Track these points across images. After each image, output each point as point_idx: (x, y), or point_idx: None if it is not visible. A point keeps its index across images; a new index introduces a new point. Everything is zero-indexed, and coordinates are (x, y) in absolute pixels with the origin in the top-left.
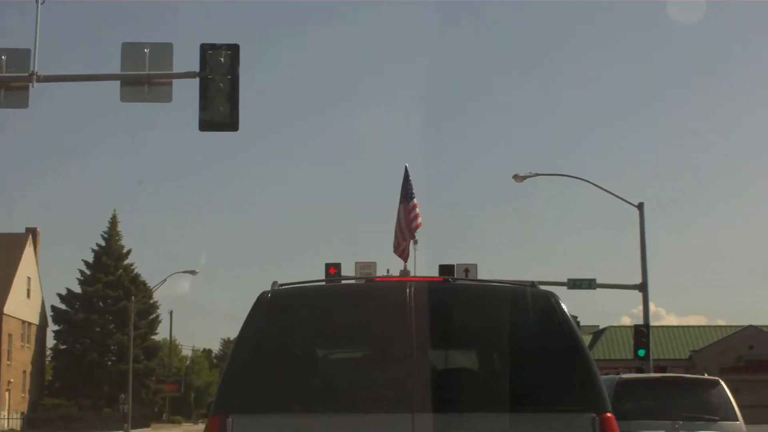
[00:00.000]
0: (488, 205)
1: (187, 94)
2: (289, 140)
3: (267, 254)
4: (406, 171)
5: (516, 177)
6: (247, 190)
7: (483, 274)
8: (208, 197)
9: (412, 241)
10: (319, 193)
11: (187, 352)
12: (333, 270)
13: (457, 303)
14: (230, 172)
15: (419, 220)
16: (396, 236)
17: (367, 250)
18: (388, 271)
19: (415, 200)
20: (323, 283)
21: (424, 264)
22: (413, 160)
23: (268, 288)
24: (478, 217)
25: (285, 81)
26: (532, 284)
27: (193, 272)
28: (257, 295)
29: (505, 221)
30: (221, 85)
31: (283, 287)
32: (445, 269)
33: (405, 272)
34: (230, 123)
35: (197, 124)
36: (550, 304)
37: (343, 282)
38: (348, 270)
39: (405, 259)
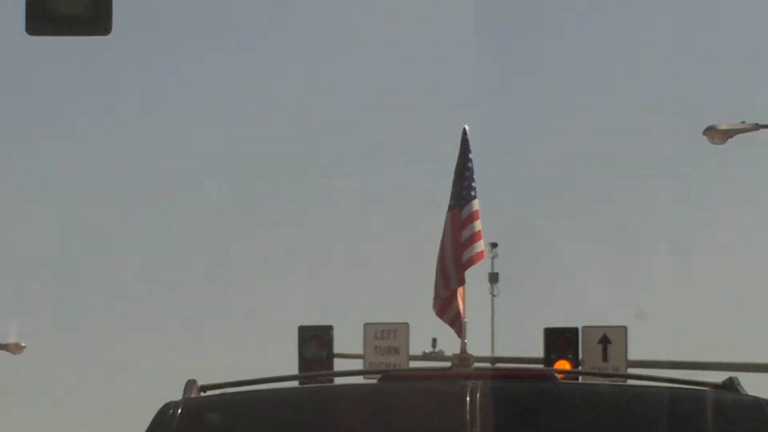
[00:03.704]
0: (645, 196)
1: None
2: (222, 55)
3: (185, 308)
4: (465, 138)
5: (712, 132)
6: (130, 162)
7: (637, 349)
8: (48, 173)
9: (460, 293)
10: (297, 175)
11: None
12: (315, 339)
13: None
14: (93, 117)
15: (480, 245)
16: (436, 278)
17: (393, 297)
18: (434, 343)
19: (475, 203)
20: (294, 384)
21: (511, 318)
22: (479, 116)
23: (178, 394)
24: (622, 229)
25: None
26: (728, 383)
27: (14, 348)
28: (156, 409)
29: (687, 232)
30: None
31: (208, 394)
32: (558, 340)
33: (464, 359)
34: (94, 17)
35: (22, 21)
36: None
37: (330, 385)
38: (351, 342)
39: (453, 325)
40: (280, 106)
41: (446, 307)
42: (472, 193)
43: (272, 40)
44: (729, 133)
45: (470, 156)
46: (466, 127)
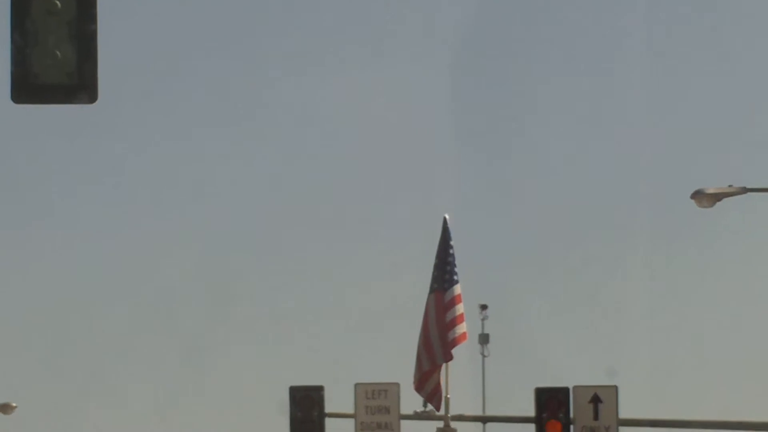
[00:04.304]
0: (632, 258)
1: None
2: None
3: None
4: (445, 227)
5: (700, 197)
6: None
7: (629, 407)
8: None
9: (444, 368)
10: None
11: None
12: (306, 399)
13: None
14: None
15: (462, 327)
16: (418, 357)
17: (382, 358)
18: (425, 403)
19: (457, 287)
20: None
21: (502, 378)
22: (455, 202)
23: None
24: (608, 291)
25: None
26: None
27: (5, 408)
28: None
29: (672, 294)
30: (58, 4)
31: None
32: (549, 399)
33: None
34: (79, 85)
35: (8, 90)
36: None
37: None
38: (342, 402)
39: (431, 400)
40: (264, 184)
41: (425, 382)
42: (455, 277)
43: (253, 122)
44: (717, 197)
45: (451, 243)
46: (447, 217)
